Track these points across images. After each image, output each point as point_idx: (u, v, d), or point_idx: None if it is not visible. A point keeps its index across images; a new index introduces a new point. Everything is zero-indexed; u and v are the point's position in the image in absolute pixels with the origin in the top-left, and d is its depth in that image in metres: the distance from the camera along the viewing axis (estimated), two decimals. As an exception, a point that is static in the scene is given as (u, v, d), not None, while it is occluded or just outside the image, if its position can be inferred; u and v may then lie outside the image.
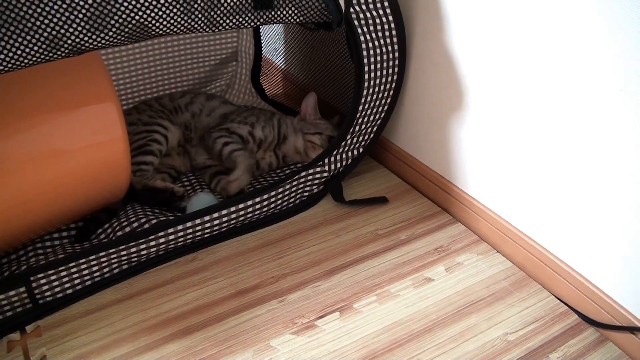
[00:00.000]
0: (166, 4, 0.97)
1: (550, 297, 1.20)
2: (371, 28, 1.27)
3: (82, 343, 1.08)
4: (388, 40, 1.30)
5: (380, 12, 1.27)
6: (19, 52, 0.87)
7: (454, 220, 1.43)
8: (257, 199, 1.32)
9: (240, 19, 1.08)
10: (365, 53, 1.28)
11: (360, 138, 1.44)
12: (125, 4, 0.93)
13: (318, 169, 1.42)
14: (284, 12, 1.13)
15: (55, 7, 0.87)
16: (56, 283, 1.12)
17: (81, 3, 0.89)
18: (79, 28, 0.91)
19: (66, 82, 1.11)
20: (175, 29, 1.01)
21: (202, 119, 1.59)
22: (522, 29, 1.11)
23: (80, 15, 0.90)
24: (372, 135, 1.46)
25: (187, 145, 1.57)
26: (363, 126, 1.41)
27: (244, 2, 1.06)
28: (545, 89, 1.11)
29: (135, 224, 1.24)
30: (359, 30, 1.25)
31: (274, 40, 2.02)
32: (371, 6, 1.25)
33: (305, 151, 1.59)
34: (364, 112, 1.37)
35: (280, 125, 1.62)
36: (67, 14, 0.89)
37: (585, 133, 1.06)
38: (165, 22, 0.99)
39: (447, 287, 1.22)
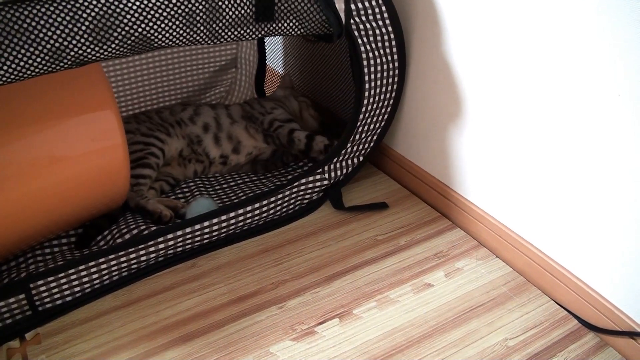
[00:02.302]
0: (168, 17, 0.98)
1: (550, 302, 1.20)
2: (371, 39, 1.27)
3: (81, 350, 1.08)
4: (388, 50, 1.31)
5: (380, 22, 1.27)
6: (22, 63, 0.87)
7: (454, 226, 1.43)
8: (257, 205, 1.33)
9: (242, 31, 1.09)
10: (365, 63, 1.28)
11: (361, 146, 1.45)
12: (128, 16, 0.94)
13: (318, 177, 1.42)
14: (285, 25, 1.13)
15: (59, 19, 0.88)
16: (56, 290, 1.12)
17: (84, 16, 0.90)
18: (82, 40, 0.91)
19: (66, 89, 1.11)
20: (177, 42, 1.02)
21: (227, 127, 1.59)
22: (520, 37, 1.12)
23: (84, 28, 0.90)
24: (372, 144, 1.47)
25: (192, 158, 1.57)
26: (363, 135, 1.41)
27: (245, 14, 1.07)
28: (544, 95, 1.11)
29: (135, 231, 1.24)
30: (359, 41, 1.25)
31: (275, 48, 2.02)
32: (371, 17, 1.26)
33: (301, 112, 1.71)
34: (364, 121, 1.37)
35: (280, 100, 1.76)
36: (70, 26, 0.89)
37: (584, 138, 1.06)
38: (167, 35, 0.99)
39: (447, 293, 1.22)
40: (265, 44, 1.96)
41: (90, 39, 0.92)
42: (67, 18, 0.89)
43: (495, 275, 1.27)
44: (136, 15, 0.95)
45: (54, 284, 1.11)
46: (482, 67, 1.23)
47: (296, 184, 1.38)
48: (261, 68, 1.92)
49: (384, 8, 1.27)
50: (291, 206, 1.43)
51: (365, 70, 1.29)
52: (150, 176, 1.40)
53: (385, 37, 1.30)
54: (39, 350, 1.08)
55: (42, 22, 0.87)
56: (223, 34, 1.07)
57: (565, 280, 1.18)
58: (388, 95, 1.37)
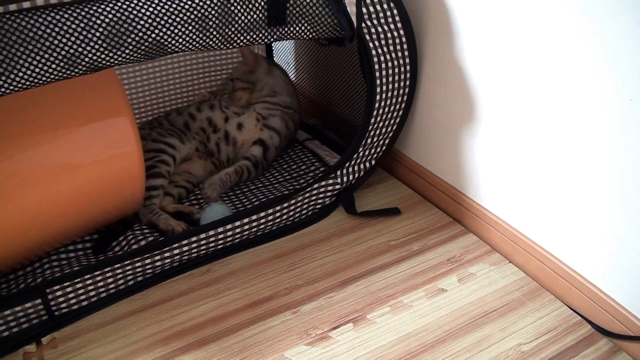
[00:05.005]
0: (182, 22, 0.99)
1: (564, 307, 1.20)
2: (382, 42, 1.27)
3: (97, 354, 1.08)
4: (399, 54, 1.31)
5: (392, 26, 1.27)
6: (37, 69, 0.88)
7: (466, 231, 1.43)
8: (270, 211, 1.33)
9: (254, 36, 1.09)
10: (377, 67, 1.28)
11: (372, 150, 1.45)
12: (142, 22, 0.95)
13: (330, 181, 1.42)
14: (297, 29, 1.14)
15: (73, 26, 0.89)
16: (72, 295, 1.13)
17: (98, 22, 0.91)
18: (96, 46, 0.92)
19: (81, 96, 1.12)
20: (190, 46, 1.03)
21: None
22: (534, 40, 1.12)
23: (98, 34, 0.91)
24: (384, 148, 1.47)
25: (209, 146, 1.60)
26: (375, 139, 1.42)
27: (257, 19, 1.08)
28: (557, 100, 1.11)
29: (150, 238, 1.25)
30: (371, 45, 1.26)
31: (285, 53, 2.03)
32: (382, 21, 1.26)
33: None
34: (375, 125, 1.38)
35: None
36: (84, 32, 0.90)
37: (597, 142, 1.06)
38: (181, 40, 1.00)
39: (461, 298, 1.22)
40: (274, 50, 1.98)
41: (104, 45, 0.93)
42: (82, 25, 0.90)
43: (508, 280, 1.27)
44: (150, 21, 0.96)
45: (69, 289, 1.12)
46: (495, 71, 1.23)
47: (309, 189, 1.39)
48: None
49: (395, 11, 1.27)
50: (304, 211, 1.43)
51: (377, 74, 1.29)
52: (162, 186, 1.41)
53: (397, 41, 1.29)
54: (55, 354, 1.08)
55: (57, 29, 0.88)
56: (236, 38, 1.08)
57: (579, 285, 1.17)
58: (400, 98, 1.37)
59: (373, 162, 1.49)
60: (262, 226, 1.35)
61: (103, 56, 0.94)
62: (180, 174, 1.52)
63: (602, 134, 1.04)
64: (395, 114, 1.40)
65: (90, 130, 1.13)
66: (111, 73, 1.17)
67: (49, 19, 0.87)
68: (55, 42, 0.88)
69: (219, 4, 1.02)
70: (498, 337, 1.12)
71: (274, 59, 1.98)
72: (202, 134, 1.58)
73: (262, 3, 1.07)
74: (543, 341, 1.12)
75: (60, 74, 0.91)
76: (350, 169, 1.45)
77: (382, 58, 1.28)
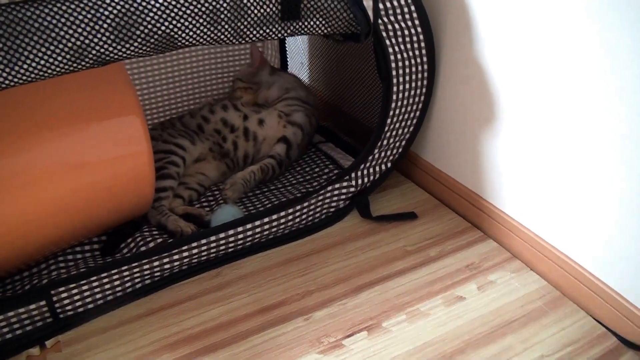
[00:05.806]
0: (192, 15, 0.98)
1: (588, 318, 1.16)
2: (399, 40, 1.25)
3: (102, 359, 1.07)
4: (417, 52, 1.29)
5: (409, 23, 1.25)
6: (42, 61, 0.88)
7: (485, 237, 1.39)
8: (282, 214, 1.31)
9: (267, 30, 1.08)
10: (393, 65, 1.26)
11: (388, 152, 1.42)
12: (151, 14, 0.94)
13: (345, 184, 1.40)
14: (312, 23, 1.12)
15: (80, 17, 0.89)
16: (77, 297, 1.12)
17: (106, 13, 0.90)
18: (104, 38, 0.92)
19: (91, 94, 1.12)
20: (201, 40, 1.02)
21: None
22: (558, 36, 1.09)
23: (105, 26, 0.91)
24: (400, 150, 1.45)
25: (224, 145, 1.58)
26: (391, 140, 1.39)
27: (271, 13, 1.06)
28: (582, 100, 1.08)
29: (159, 240, 1.23)
30: (387, 42, 1.24)
31: (299, 54, 2.01)
32: (399, 17, 1.24)
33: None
34: (392, 126, 1.35)
35: None
36: (92, 24, 0.90)
37: (625, 145, 1.03)
38: (191, 33, 1.00)
39: (480, 306, 1.18)
40: (287, 50, 1.97)
41: (112, 37, 0.92)
42: (89, 16, 0.89)
43: (529, 288, 1.23)
44: (159, 13, 0.95)
45: (75, 291, 1.11)
46: (517, 70, 1.21)
47: (322, 191, 1.37)
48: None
49: (413, 8, 1.25)
50: (317, 214, 1.41)
51: (393, 72, 1.27)
52: (171, 187, 1.40)
53: (415, 38, 1.28)
54: (59, 358, 1.07)
55: (63, 19, 0.87)
56: (248, 32, 1.06)
57: (603, 294, 1.14)
58: (417, 98, 1.35)
59: (389, 164, 1.46)
60: (274, 229, 1.32)
61: (111, 49, 0.93)
62: (193, 176, 1.51)
63: (631, 137, 1.01)
64: (412, 115, 1.37)
65: (99, 128, 1.13)
66: (121, 70, 1.16)
67: (55, 9, 0.86)
68: (62, 33, 0.87)
69: (231, -4, 1.01)
70: (519, 348, 1.09)
71: (287, 59, 1.98)
72: (216, 136, 1.57)
73: (276, -4, 1.06)
74: (566, 353, 1.08)
75: (66, 67, 0.90)
76: (365, 172, 1.43)
77: (399, 56, 1.26)
